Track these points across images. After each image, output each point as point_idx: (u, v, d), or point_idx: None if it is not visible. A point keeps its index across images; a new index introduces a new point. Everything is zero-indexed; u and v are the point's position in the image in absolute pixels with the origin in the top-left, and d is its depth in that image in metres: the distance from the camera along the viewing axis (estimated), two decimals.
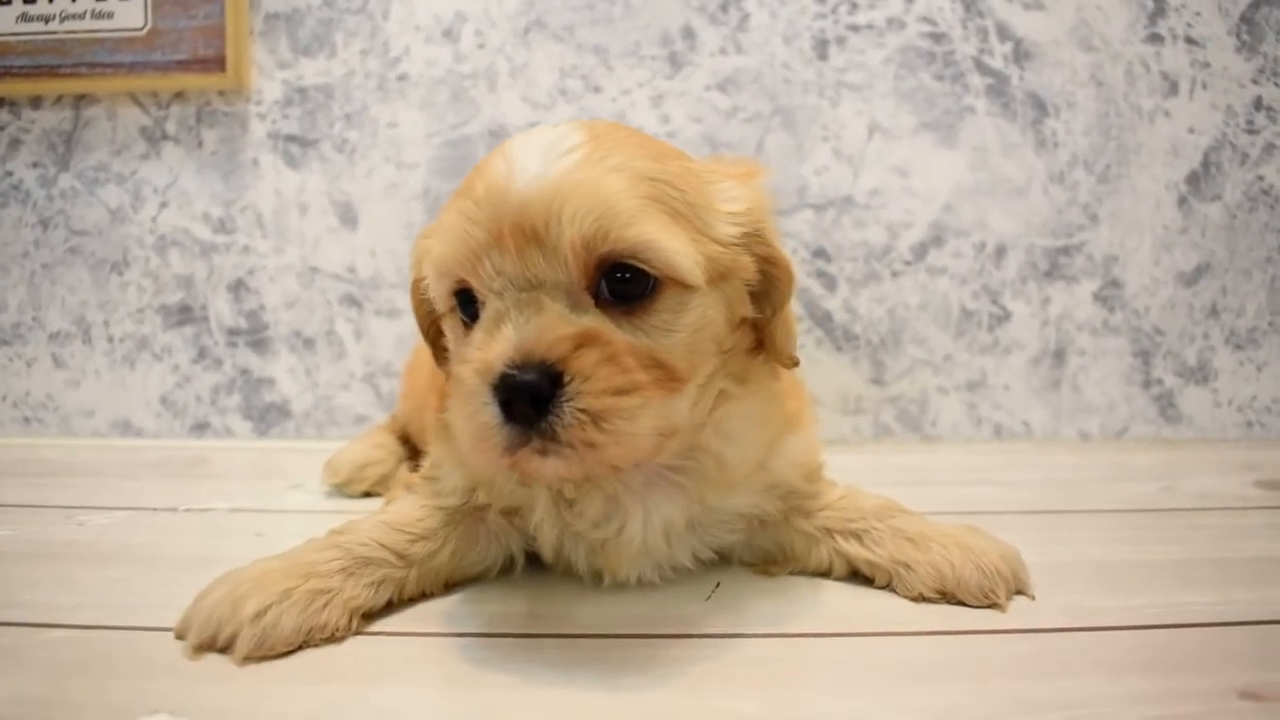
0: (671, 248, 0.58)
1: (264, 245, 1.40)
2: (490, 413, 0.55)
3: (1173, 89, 1.34)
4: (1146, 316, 1.37)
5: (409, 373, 1.18)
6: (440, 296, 0.65)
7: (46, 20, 1.36)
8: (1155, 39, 1.34)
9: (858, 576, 0.73)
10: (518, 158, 0.59)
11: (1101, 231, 1.36)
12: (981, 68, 1.34)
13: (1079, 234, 1.36)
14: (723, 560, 0.76)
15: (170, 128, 1.40)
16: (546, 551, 0.72)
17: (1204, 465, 1.19)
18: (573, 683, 0.56)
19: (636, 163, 0.59)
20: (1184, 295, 1.36)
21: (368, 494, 1.04)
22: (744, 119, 1.35)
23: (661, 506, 0.68)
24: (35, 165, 1.41)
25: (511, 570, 0.75)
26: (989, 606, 0.67)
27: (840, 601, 0.69)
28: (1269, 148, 1.34)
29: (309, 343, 1.41)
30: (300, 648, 0.60)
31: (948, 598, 0.68)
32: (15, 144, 1.41)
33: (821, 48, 1.35)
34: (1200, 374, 1.37)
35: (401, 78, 1.37)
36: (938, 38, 1.34)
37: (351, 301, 1.40)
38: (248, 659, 0.57)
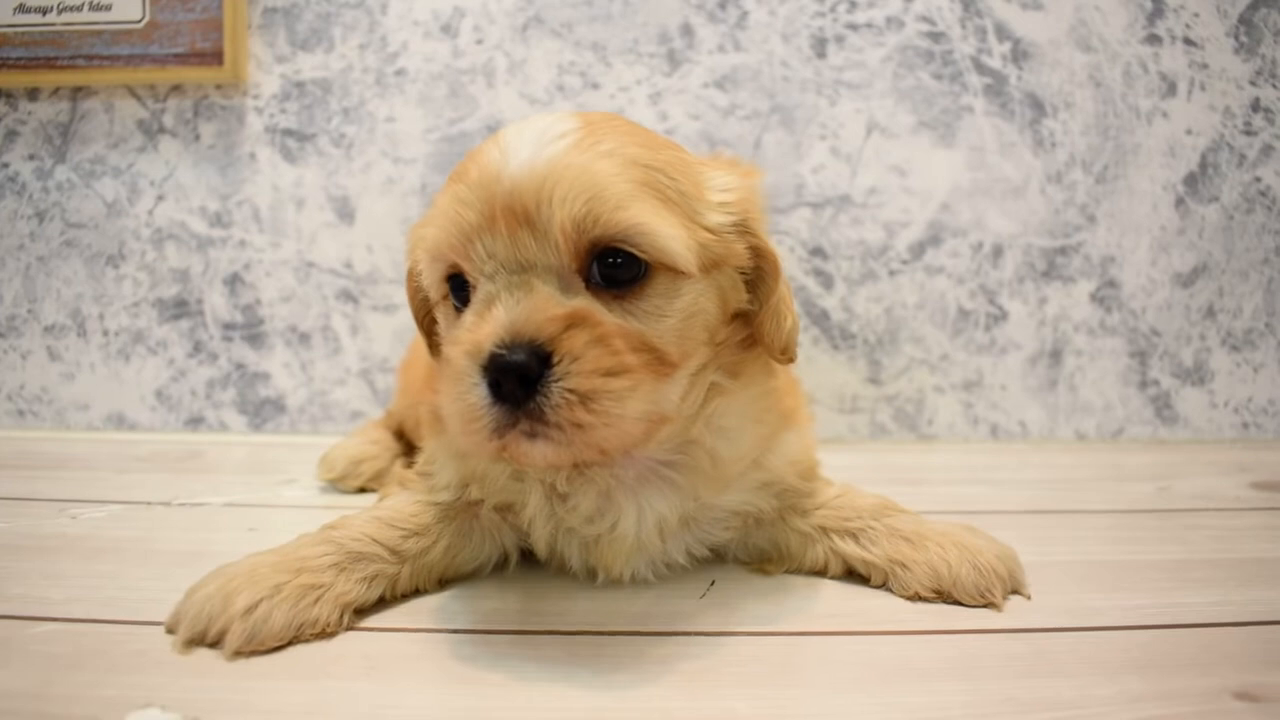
0: (662, 232, 0.58)
1: (260, 240, 1.40)
2: (479, 393, 0.55)
3: (1171, 90, 1.34)
4: (1143, 317, 1.37)
5: (405, 368, 1.18)
6: (433, 283, 0.65)
7: (44, 12, 1.35)
8: (1153, 40, 1.34)
9: (853, 575, 0.73)
10: (511, 143, 0.59)
11: (1099, 232, 1.36)
12: (980, 67, 1.34)
13: (1076, 234, 1.36)
14: (718, 558, 0.76)
15: (167, 121, 1.39)
16: (540, 548, 0.72)
17: (1200, 466, 1.19)
18: (566, 680, 0.55)
19: (628, 149, 0.59)
20: (1181, 296, 1.36)
21: (362, 489, 1.04)
22: (742, 117, 1.35)
23: (655, 502, 0.67)
24: (31, 157, 1.41)
25: (505, 567, 0.75)
26: (985, 606, 0.67)
27: (835, 600, 0.69)
28: (1266, 149, 1.34)
29: (305, 338, 1.40)
30: (291, 643, 0.60)
31: (944, 597, 0.68)
32: (12, 136, 1.41)
33: (820, 46, 1.34)
34: (1197, 375, 1.37)
35: (399, 73, 1.37)
36: (936, 37, 1.34)
37: (348, 297, 1.39)
38: (238, 654, 0.57)
